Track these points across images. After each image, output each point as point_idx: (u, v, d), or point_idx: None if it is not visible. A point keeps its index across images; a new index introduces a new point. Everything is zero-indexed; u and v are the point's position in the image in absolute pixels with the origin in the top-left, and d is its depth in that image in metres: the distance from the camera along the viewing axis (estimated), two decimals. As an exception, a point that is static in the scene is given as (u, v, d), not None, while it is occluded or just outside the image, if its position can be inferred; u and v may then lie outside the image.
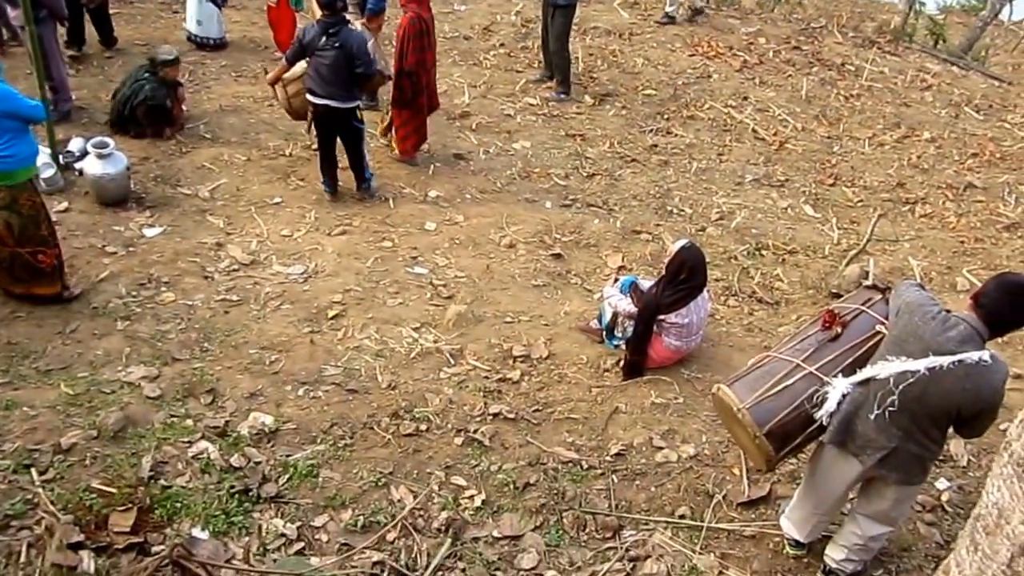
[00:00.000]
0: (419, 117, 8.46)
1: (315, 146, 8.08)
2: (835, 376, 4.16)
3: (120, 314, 6.14)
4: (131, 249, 6.87)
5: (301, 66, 7.70)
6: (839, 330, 4.34)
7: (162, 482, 4.76)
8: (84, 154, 7.47)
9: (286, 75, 7.76)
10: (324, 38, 7.32)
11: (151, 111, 8.33)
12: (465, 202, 8.15)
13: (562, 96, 10.42)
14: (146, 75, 8.39)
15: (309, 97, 7.52)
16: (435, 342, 6.20)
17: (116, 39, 10.12)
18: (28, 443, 4.86)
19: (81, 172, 7.41)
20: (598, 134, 9.70)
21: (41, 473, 4.70)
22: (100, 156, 7.26)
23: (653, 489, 5.17)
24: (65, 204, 7.22)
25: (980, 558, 3.23)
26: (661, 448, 5.44)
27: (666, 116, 10.35)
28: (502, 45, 11.68)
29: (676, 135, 9.97)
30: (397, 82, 8.10)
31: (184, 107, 8.88)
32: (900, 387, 3.81)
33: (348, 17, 7.57)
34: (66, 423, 5.06)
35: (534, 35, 11.99)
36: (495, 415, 5.57)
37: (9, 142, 5.61)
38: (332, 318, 6.35)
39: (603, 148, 9.42)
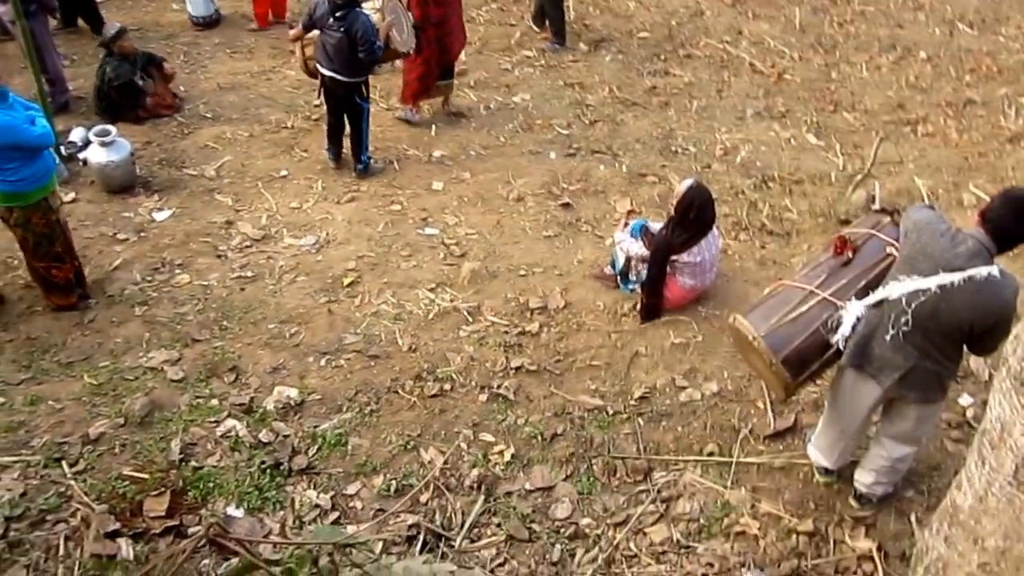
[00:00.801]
0: (422, 69, 8.41)
1: (317, 116, 8.04)
2: (849, 300, 4.18)
3: (137, 300, 6.18)
4: (142, 234, 6.90)
5: None
6: (850, 255, 4.36)
7: (193, 463, 4.84)
8: (87, 143, 7.46)
9: (307, 36, 7.71)
10: (331, 19, 7.23)
11: (121, 90, 8.30)
12: (470, 159, 8.12)
13: (556, 47, 10.33)
14: (105, 58, 8.38)
15: (318, 66, 7.52)
16: (452, 301, 6.23)
17: (103, 22, 10.03)
18: (56, 436, 4.94)
19: (85, 162, 7.41)
20: (596, 81, 9.62)
21: (72, 465, 4.77)
22: (103, 144, 7.25)
23: (680, 429, 5.21)
24: (72, 195, 7.23)
25: (988, 471, 3.27)
26: (684, 388, 5.47)
27: (663, 57, 10.25)
28: (494, 0, 11.55)
29: (674, 75, 9.87)
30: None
31: (181, 88, 8.86)
32: (912, 306, 3.83)
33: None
34: (92, 413, 5.13)
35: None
36: (517, 369, 5.60)
37: (19, 168, 5.53)
38: (348, 286, 6.38)
39: (603, 94, 9.34)
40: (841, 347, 4.18)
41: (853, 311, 4.11)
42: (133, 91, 8.39)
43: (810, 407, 5.30)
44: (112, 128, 7.47)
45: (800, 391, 4.76)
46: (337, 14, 7.19)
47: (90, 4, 10.03)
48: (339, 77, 7.42)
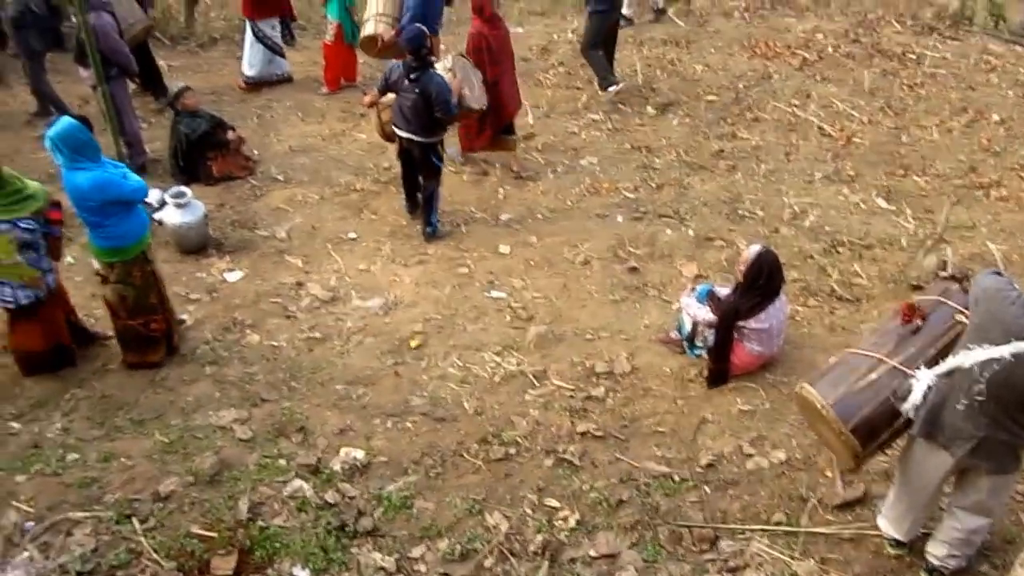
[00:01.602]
0: (476, 126, 8.67)
1: (386, 179, 8.24)
2: (919, 368, 4.10)
3: (208, 359, 6.30)
4: (214, 294, 7.05)
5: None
6: (919, 322, 4.29)
7: (260, 523, 4.86)
8: (162, 204, 7.68)
9: (382, 100, 7.91)
10: (406, 80, 7.44)
11: (199, 142, 8.60)
12: (537, 222, 8.17)
13: (608, 88, 10.48)
14: (176, 117, 8.73)
15: (395, 129, 7.71)
16: (518, 365, 6.23)
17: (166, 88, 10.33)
18: (128, 493, 5.01)
19: (161, 222, 7.59)
20: (663, 144, 9.65)
21: (142, 522, 4.83)
22: (178, 206, 7.47)
23: (747, 497, 5.11)
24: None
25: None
26: (751, 455, 5.38)
27: (730, 120, 10.25)
28: (561, 64, 11.69)
29: (742, 138, 9.86)
30: None
31: (254, 151, 9.13)
32: (986, 375, 3.77)
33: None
34: (163, 471, 5.19)
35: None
36: (583, 434, 5.57)
37: (118, 223, 5.74)
38: (415, 348, 6.43)
39: (669, 157, 9.36)
40: (911, 416, 4.09)
41: (924, 380, 4.03)
42: (210, 143, 8.68)
43: (880, 477, 5.16)
44: (187, 190, 7.70)
45: (870, 460, 4.65)
46: (412, 76, 7.39)
47: (152, 70, 10.40)
48: (416, 138, 7.61)
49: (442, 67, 7.84)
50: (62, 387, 5.97)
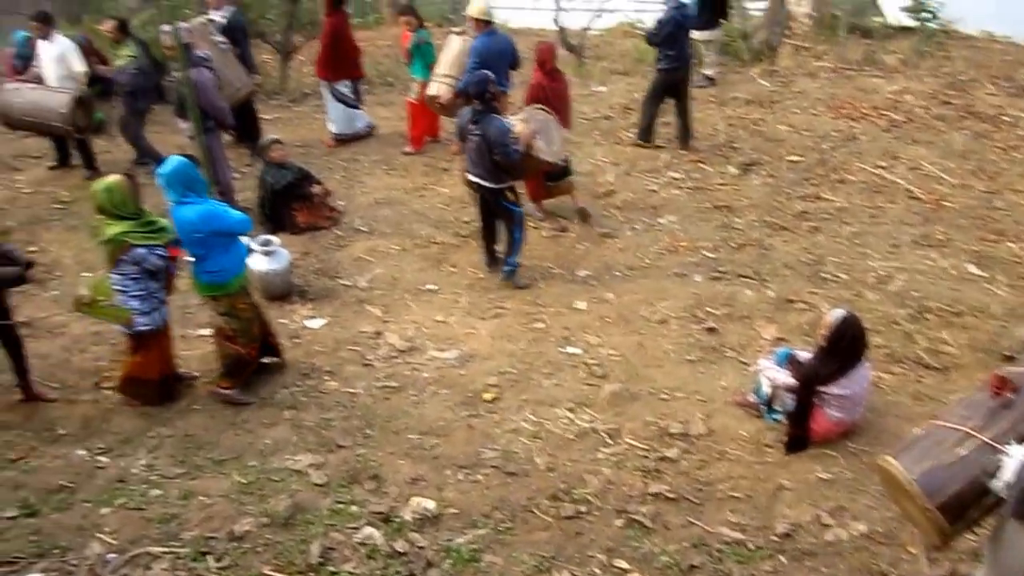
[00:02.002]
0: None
1: (466, 233, 8.44)
2: (1009, 444, 3.93)
3: (287, 404, 6.42)
4: (295, 340, 7.20)
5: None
6: (1011, 396, 4.12)
7: (330, 568, 4.88)
8: (249, 252, 7.90)
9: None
10: (472, 124, 7.68)
11: (283, 193, 8.86)
12: (614, 279, 8.17)
13: (638, 141, 10.80)
14: (264, 168, 9.05)
15: (467, 173, 7.88)
16: (591, 422, 6.19)
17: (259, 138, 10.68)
18: (205, 531, 5.09)
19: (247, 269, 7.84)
20: (745, 204, 9.59)
21: (217, 560, 4.90)
22: (265, 253, 7.68)
23: (824, 570, 4.94)
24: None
25: None
26: (830, 526, 5.21)
27: (814, 181, 10.15)
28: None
29: (826, 200, 9.74)
30: None
31: (339, 202, 9.35)
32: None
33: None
34: (239, 511, 5.27)
35: (673, 110, 12.07)
36: (655, 495, 5.48)
37: (221, 255, 6.05)
38: (488, 401, 6.45)
39: (751, 217, 9.30)
40: (1003, 495, 3.93)
41: (1017, 457, 3.86)
42: (296, 194, 8.94)
43: (968, 556, 4.95)
44: (274, 238, 7.92)
45: (956, 538, 4.46)
46: (475, 120, 7.64)
47: (253, 125, 10.78)
48: (483, 182, 7.79)
49: (516, 118, 8.05)
50: (148, 424, 6.16)
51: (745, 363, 6.86)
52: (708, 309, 7.58)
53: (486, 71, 7.87)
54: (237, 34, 10.45)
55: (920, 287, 7.92)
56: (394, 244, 8.78)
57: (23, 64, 11.21)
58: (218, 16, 10.44)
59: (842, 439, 5.89)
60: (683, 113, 10.81)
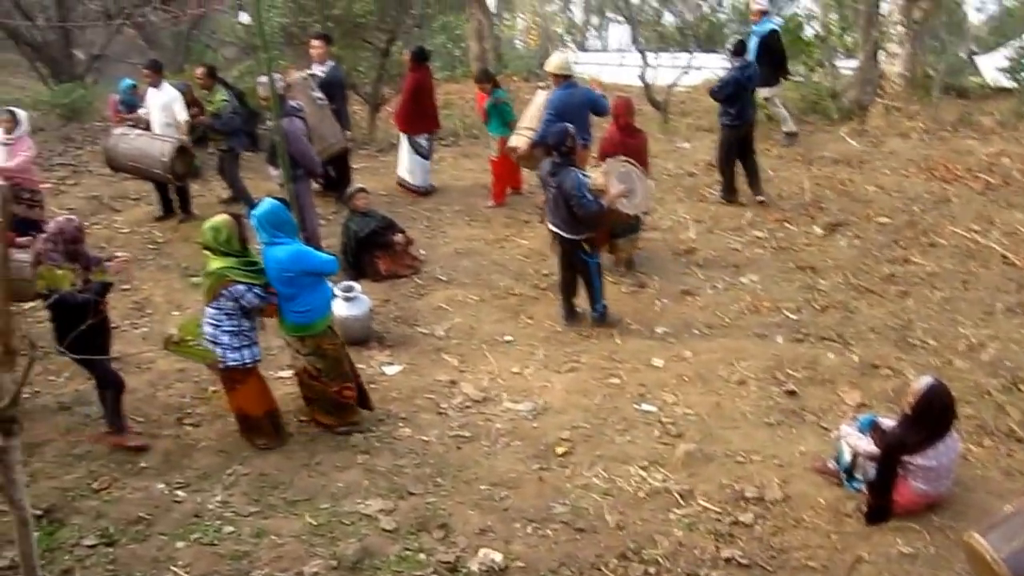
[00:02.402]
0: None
1: (544, 286, 8.54)
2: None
3: (361, 448, 6.46)
4: (372, 386, 7.26)
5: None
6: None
7: (396, 616, 4.89)
8: (332, 297, 8.06)
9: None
10: (550, 176, 7.78)
11: (365, 241, 9.02)
12: (693, 337, 8.08)
13: (722, 200, 10.88)
14: (348, 216, 9.27)
15: (547, 222, 7.92)
16: (664, 481, 6.09)
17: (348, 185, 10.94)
18: (275, 570, 5.14)
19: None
20: (830, 265, 9.41)
21: (285, 602, 4.95)
22: (346, 299, 7.81)
23: (904, 649, 4.76)
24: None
25: None
26: (911, 603, 5.02)
27: (903, 244, 9.91)
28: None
29: (915, 263, 9.50)
30: None
31: (421, 251, 9.50)
32: None
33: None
34: (309, 552, 5.31)
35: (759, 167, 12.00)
36: (727, 560, 5.34)
37: (309, 295, 6.23)
38: (560, 455, 6.39)
39: (836, 279, 9.11)
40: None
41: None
42: (379, 242, 9.10)
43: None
44: (356, 285, 8.06)
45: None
46: (552, 171, 7.75)
47: (345, 175, 11.05)
48: (561, 232, 7.86)
49: (598, 170, 8.18)
50: (226, 462, 6.27)
51: (826, 428, 6.68)
52: (789, 371, 7.43)
53: (566, 124, 7.96)
54: (335, 89, 10.77)
55: (1014, 357, 7.63)
56: (473, 294, 8.85)
57: (127, 110, 11.79)
58: (319, 70, 10.78)
59: (926, 512, 5.66)
60: (751, 169, 10.91)
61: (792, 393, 7.14)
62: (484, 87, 11.04)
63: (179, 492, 5.93)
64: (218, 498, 5.85)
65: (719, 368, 7.52)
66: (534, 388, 7.28)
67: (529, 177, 11.43)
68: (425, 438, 6.60)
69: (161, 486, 5.97)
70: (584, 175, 7.82)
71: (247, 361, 6.28)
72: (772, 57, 12.27)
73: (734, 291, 8.92)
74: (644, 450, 6.45)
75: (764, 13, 12.43)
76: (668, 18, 22.98)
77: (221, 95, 10.38)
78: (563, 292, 8.26)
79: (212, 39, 23.83)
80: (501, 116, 10.81)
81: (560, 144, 7.71)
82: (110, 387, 6.28)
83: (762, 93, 12.16)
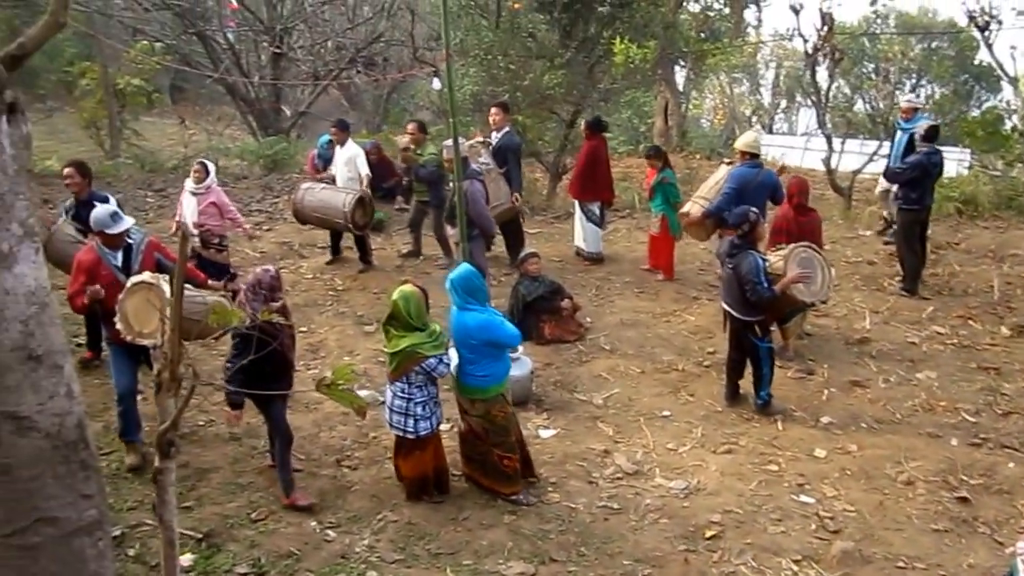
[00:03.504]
0: None
1: (708, 363, 8.51)
2: None
3: (507, 508, 6.51)
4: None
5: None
6: None
7: None
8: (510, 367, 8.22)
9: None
10: (727, 256, 7.77)
11: (535, 306, 9.15)
12: (860, 431, 7.74)
13: (903, 292, 10.46)
14: (518, 279, 9.47)
15: (721, 299, 7.94)
16: (816, 578, 5.84)
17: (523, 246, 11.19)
18: (412, 621, 5.25)
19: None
20: (1016, 368, 8.83)
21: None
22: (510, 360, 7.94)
23: None
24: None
25: None
26: None
27: (1102, 351, 9.22)
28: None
29: (1115, 373, 8.80)
30: None
31: (587, 319, 9.58)
32: None
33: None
34: (448, 608, 5.39)
35: (944, 260, 11.47)
36: (879, 671, 5.05)
37: (490, 363, 6.38)
38: (709, 538, 6.23)
39: (1021, 384, 8.54)
40: None
41: None
42: (545, 307, 9.25)
43: None
44: (519, 346, 8.18)
45: None
46: (730, 253, 7.66)
47: (518, 239, 11.33)
48: (732, 312, 7.75)
49: (779, 253, 8.05)
50: (377, 507, 6.46)
51: (1000, 543, 6.23)
52: (963, 477, 6.99)
53: (748, 206, 7.89)
54: (507, 154, 11.15)
55: None
56: (635, 366, 8.82)
57: (323, 164, 12.61)
58: (496, 136, 11.19)
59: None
60: (922, 256, 10.67)
61: (964, 500, 6.71)
62: (654, 163, 11.15)
63: (329, 531, 6.15)
64: (365, 542, 6.03)
65: (886, 465, 7.16)
66: (688, 466, 7.15)
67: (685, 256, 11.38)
68: (573, 505, 6.59)
69: (313, 524, 6.21)
70: (763, 258, 7.69)
71: (435, 426, 6.48)
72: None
73: (908, 387, 8.50)
74: (798, 543, 6.20)
75: (915, 110, 11.94)
76: (859, 105, 22.51)
77: (430, 149, 11.03)
78: (729, 371, 8.11)
79: (410, 103, 25.12)
80: (665, 195, 10.92)
81: (740, 225, 7.66)
82: (278, 436, 6.52)
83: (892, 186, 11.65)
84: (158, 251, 7.05)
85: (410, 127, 11.46)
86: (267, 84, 20.01)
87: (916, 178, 10.23)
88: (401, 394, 6.33)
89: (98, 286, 6.51)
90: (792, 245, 8.17)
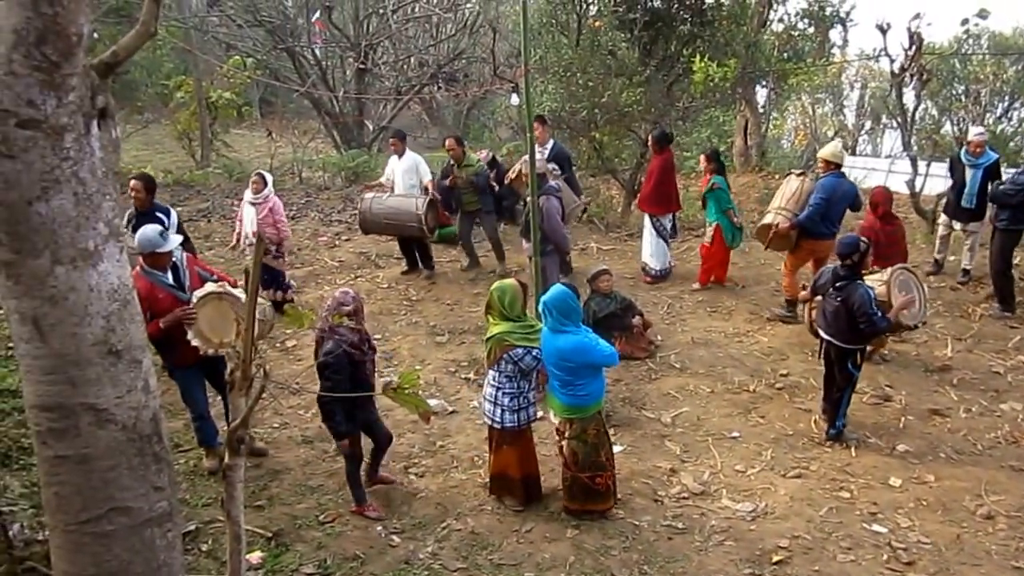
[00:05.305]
0: None
1: (780, 385, 8.42)
2: None
3: (571, 523, 6.49)
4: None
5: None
6: None
7: None
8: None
9: (815, 299, 8.03)
10: (832, 288, 7.53)
11: (603, 322, 9.08)
12: (937, 461, 7.49)
13: (1004, 314, 10.22)
14: (590, 296, 9.38)
15: (818, 328, 7.77)
16: (887, 610, 5.67)
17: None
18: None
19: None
20: (1107, 403, 8.48)
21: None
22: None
23: None
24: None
25: None
26: None
27: None
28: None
29: None
30: None
31: (658, 337, 9.50)
32: None
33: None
34: (506, 620, 5.38)
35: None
36: None
37: (587, 384, 6.32)
38: (775, 563, 6.10)
39: (1116, 421, 8.19)
40: None
41: None
42: (616, 324, 9.21)
43: None
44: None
45: None
46: (838, 284, 7.43)
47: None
48: (835, 342, 7.55)
49: (877, 278, 7.89)
50: (442, 515, 6.52)
51: (1085, 584, 5.97)
52: (1046, 513, 6.73)
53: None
54: (563, 164, 11.29)
55: None
56: (704, 385, 8.71)
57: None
58: (545, 150, 11.40)
59: None
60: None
61: (1049, 539, 6.46)
62: (709, 165, 11.02)
63: (394, 537, 6.22)
64: (429, 549, 6.08)
65: (965, 498, 6.92)
66: (756, 489, 7.02)
67: (760, 276, 11.18)
68: (637, 523, 6.53)
69: (379, 528, 6.29)
70: (870, 288, 7.48)
71: (522, 423, 6.51)
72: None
73: (991, 417, 8.20)
74: (868, 573, 6.03)
75: (984, 143, 11.02)
76: (947, 127, 21.91)
77: (473, 157, 11.32)
78: (825, 386, 7.93)
79: (489, 119, 25.35)
80: (718, 203, 10.83)
81: (849, 255, 7.46)
82: (383, 440, 6.77)
83: (970, 226, 11.22)
84: (196, 265, 6.99)
85: (448, 143, 11.55)
86: (351, 98, 20.43)
87: (1022, 202, 9.96)
88: (492, 382, 6.45)
89: (179, 309, 6.42)
90: (889, 269, 8.02)
